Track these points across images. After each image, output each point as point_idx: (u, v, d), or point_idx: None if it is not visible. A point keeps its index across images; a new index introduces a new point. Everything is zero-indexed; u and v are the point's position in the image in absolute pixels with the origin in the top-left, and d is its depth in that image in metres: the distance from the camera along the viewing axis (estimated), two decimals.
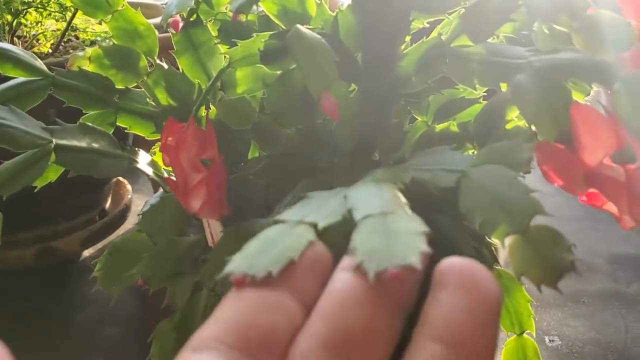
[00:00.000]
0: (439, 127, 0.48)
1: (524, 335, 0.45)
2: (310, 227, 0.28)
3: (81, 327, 0.83)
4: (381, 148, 0.52)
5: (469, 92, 0.52)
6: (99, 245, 0.93)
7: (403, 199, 0.30)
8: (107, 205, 0.97)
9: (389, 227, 0.26)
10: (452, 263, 0.24)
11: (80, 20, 0.89)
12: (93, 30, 0.90)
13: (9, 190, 0.41)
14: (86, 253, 0.96)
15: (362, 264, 0.24)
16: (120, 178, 1.00)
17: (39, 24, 0.87)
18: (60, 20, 0.89)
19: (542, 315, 0.83)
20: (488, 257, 0.45)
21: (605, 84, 0.36)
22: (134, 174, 1.09)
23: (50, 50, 0.88)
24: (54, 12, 0.86)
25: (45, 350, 0.77)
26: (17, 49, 0.45)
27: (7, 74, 0.45)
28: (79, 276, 0.93)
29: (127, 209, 0.94)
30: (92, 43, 0.90)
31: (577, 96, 0.47)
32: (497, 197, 0.31)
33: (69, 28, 0.86)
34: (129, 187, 0.99)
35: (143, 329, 0.79)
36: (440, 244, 0.44)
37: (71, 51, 0.90)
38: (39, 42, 0.87)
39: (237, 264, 0.26)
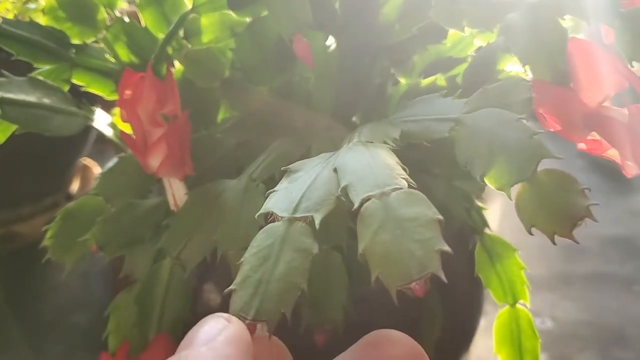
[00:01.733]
0: (424, 81, 0.44)
1: (518, 306, 0.41)
2: (307, 227, 0.26)
3: (44, 316, 0.78)
4: (362, 110, 0.48)
5: (457, 50, 0.48)
6: None
7: (398, 164, 0.27)
8: (75, 189, 0.93)
9: (396, 214, 0.24)
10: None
11: None
12: None
13: None
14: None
15: (380, 276, 0.23)
16: (89, 160, 0.96)
17: None
18: None
19: (533, 297, 0.79)
20: (478, 221, 0.41)
21: (605, 20, 0.33)
22: (103, 156, 1.05)
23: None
24: None
25: (5, 340, 0.73)
26: None
27: None
28: (42, 262, 0.88)
29: None
30: None
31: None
32: (497, 143, 0.28)
33: None
34: (97, 169, 0.95)
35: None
36: None
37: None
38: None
39: (238, 299, 0.25)
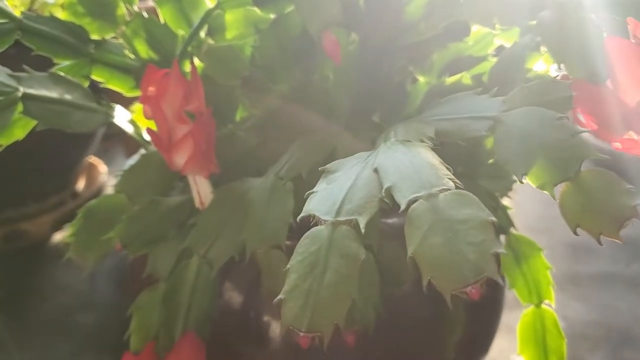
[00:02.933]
0: (449, 80, 0.44)
1: (543, 306, 0.41)
2: (352, 230, 0.25)
3: (50, 315, 0.77)
4: (381, 109, 0.48)
5: (477, 48, 0.48)
6: None
7: (442, 164, 0.27)
8: (81, 187, 0.92)
9: (445, 217, 0.24)
10: None
11: None
12: None
13: None
14: (57, 237, 0.90)
15: (433, 280, 0.23)
16: (95, 159, 0.95)
17: None
18: None
19: None
20: (504, 220, 0.41)
21: (638, 16, 0.32)
22: (110, 155, 1.04)
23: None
24: None
25: (12, 339, 0.72)
26: None
27: None
28: (48, 261, 0.88)
29: (100, 191, 0.89)
30: None
31: None
32: (539, 142, 0.27)
33: None
34: (103, 167, 0.94)
35: (118, 316, 0.74)
36: None
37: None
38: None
39: (290, 310, 0.24)
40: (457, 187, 0.25)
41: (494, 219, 0.23)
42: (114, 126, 0.45)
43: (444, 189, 0.25)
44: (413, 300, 0.41)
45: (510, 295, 0.49)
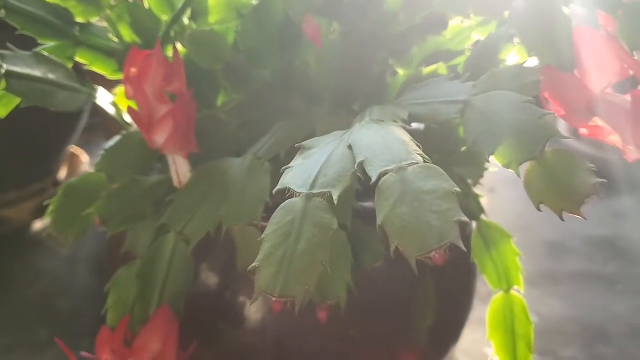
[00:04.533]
0: (426, 70, 0.45)
1: (512, 292, 0.42)
2: (325, 202, 0.26)
3: (30, 300, 0.78)
4: (361, 98, 0.49)
5: (455, 42, 0.49)
6: None
7: (412, 141, 0.28)
8: (63, 176, 0.93)
9: (412, 188, 0.25)
10: None
11: None
12: None
13: None
14: (38, 224, 0.91)
15: (399, 247, 0.24)
16: (77, 148, 0.95)
17: None
18: None
19: None
20: (475, 207, 0.42)
21: (608, 10, 0.34)
22: (92, 146, 1.04)
23: None
24: None
25: None
26: None
27: None
28: (29, 247, 0.88)
29: None
30: None
31: None
32: (506, 123, 0.29)
33: None
34: (85, 157, 0.94)
35: (97, 301, 0.74)
36: None
37: None
38: None
39: (264, 276, 0.25)
40: (425, 162, 0.26)
41: (458, 189, 0.24)
42: (97, 116, 0.45)
43: (413, 163, 0.25)
44: (386, 283, 0.42)
45: (485, 289, 0.50)
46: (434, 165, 0.25)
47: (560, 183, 0.27)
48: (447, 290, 0.46)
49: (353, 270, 0.35)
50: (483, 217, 0.42)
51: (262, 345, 0.41)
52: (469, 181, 0.42)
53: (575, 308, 0.79)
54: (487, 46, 0.40)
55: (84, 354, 0.37)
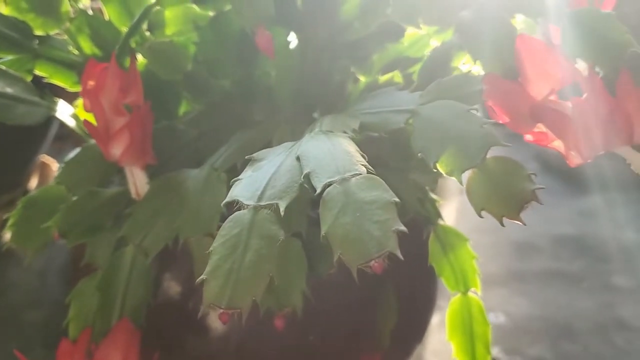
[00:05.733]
0: (382, 78, 0.46)
1: (469, 294, 0.43)
2: (272, 214, 0.27)
3: (1, 312, 0.77)
4: (322, 106, 0.50)
5: (414, 49, 0.50)
6: None
7: (357, 152, 0.29)
8: (33, 185, 0.92)
9: (355, 198, 0.25)
10: None
11: None
12: None
13: None
14: (8, 235, 0.90)
15: (342, 256, 0.24)
16: (47, 158, 0.95)
17: None
18: None
19: (488, 293, 0.82)
20: (431, 212, 0.43)
21: (551, 20, 0.35)
22: (63, 155, 1.04)
23: None
24: None
25: None
26: None
27: None
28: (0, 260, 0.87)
29: None
30: None
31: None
32: (450, 132, 0.29)
33: None
34: (56, 166, 0.94)
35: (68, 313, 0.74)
36: None
37: None
38: None
39: (211, 289, 0.26)
40: (368, 172, 0.27)
41: (397, 199, 0.24)
42: (67, 126, 0.45)
43: (356, 174, 0.26)
44: (346, 288, 0.43)
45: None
46: (376, 177, 0.26)
47: (501, 190, 0.27)
48: (408, 293, 0.47)
49: (309, 277, 0.35)
50: (440, 221, 0.43)
51: (224, 352, 0.41)
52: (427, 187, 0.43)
53: (542, 306, 0.80)
54: (440, 54, 0.41)
55: None
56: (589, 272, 0.88)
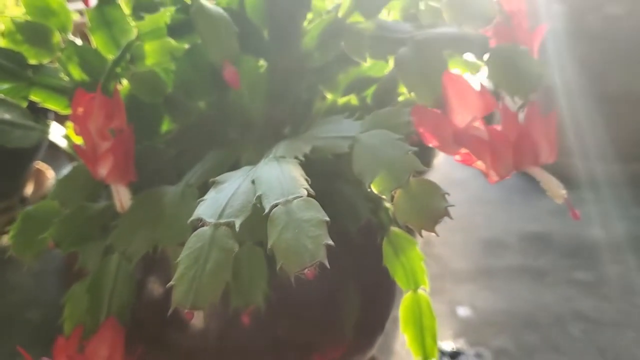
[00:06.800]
0: (341, 100, 0.51)
1: (419, 291, 0.48)
2: (229, 230, 0.33)
3: (1, 312, 0.82)
4: (291, 123, 0.55)
5: (375, 70, 0.55)
6: None
7: (302, 176, 0.34)
8: (29, 192, 0.97)
9: (295, 217, 0.31)
10: None
11: None
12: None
13: None
14: (5, 241, 0.95)
15: (283, 265, 0.30)
16: (42, 164, 1.00)
17: None
18: None
19: (456, 289, 0.88)
20: (385, 219, 0.48)
21: (476, 54, 0.40)
22: (58, 161, 1.09)
23: None
24: None
25: None
26: None
27: None
28: None
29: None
30: None
31: (466, 71, 0.52)
32: (382, 157, 0.35)
33: None
34: (51, 173, 0.99)
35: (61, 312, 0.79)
36: (342, 207, 0.47)
37: None
38: None
39: (178, 293, 0.31)
40: (309, 195, 0.32)
41: (327, 219, 0.30)
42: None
43: (298, 197, 0.32)
44: (311, 287, 0.48)
45: None
46: (312, 199, 0.31)
47: (420, 207, 0.33)
48: (369, 290, 0.52)
49: (270, 279, 0.41)
50: (392, 227, 0.48)
51: (201, 345, 0.46)
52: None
53: (507, 300, 0.86)
54: (389, 81, 0.47)
55: (44, 359, 0.42)
56: (552, 267, 0.94)
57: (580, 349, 0.76)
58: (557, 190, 0.37)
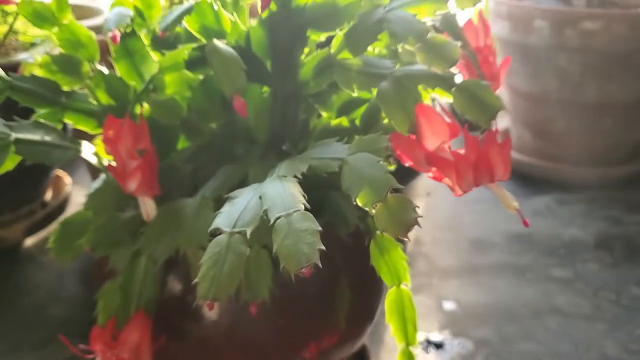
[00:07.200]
0: (333, 122, 0.59)
1: (402, 286, 0.56)
2: (242, 237, 0.40)
3: (25, 309, 0.89)
4: (290, 140, 0.63)
5: (363, 93, 0.63)
6: (41, 234, 1.01)
7: (300, 193, 0.42)
8: (49, 197, 1.05)
9: (295, 227, 0.39)
10: None
11: (19, 23, 0.96)
12: (32, 34, 0.97)
13: None
14: (28, 242, 1.03)
15: (285, 266, 0.37)
16: (60, 172, 1.07)
17: None
18: (2, 24, 0.96)
19: (442, 284, 0.95)
20: (371, 225, 0.56)
21: (445, 89, 0.48)
22: (73, 167, 1.17)
23: None
24: None
25: None
26: None
27: None
28: (22, 263, 1.00)
29: (66, 200, 1.02)
30: (32, 45, 0.97)
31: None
32: (365, 176, 0.43)
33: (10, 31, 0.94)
34: (68, 179, 1.07)
35: (84, 308, 0.87)
36: (335, 215, 0.55)
37: (12, 51, 0.97)
38: None
39: (202, 288, 0.39)
40: (305, 209, 0.40)
41: (319, 228, 0.38)
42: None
43: (296, 210, 0.39)
44: (309, 284, 0.56)
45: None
46: (308, 212, 0.39)
47: (395, 217, 0.41)
48: (358, 286, 0.60)
49: (274, 276, 0.49)
50: (378, 232, 0.56)
51: (215, 335, 0.54)
52: None
53: (490, 295, 0.93)
54: (373, 107, 0.54)
55: (81, 346, 0.50)
56: (534, 264, 1.01)
57: (556, 340, 0.83)
58: (510, 202, 0.45)
